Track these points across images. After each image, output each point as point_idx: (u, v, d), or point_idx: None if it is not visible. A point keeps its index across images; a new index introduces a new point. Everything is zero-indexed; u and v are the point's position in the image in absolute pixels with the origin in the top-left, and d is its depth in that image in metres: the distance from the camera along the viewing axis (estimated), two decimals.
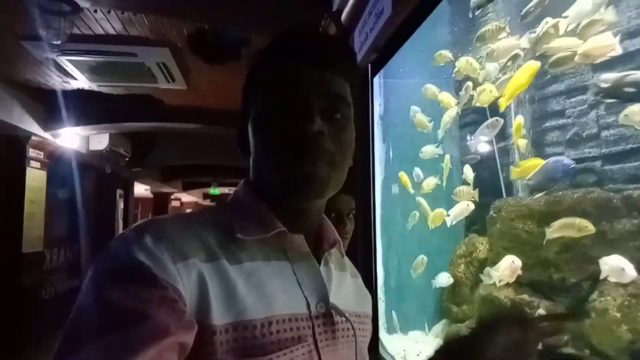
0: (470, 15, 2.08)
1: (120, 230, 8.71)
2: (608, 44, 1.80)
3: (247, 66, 0.74)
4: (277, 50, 0.68)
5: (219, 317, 0.54)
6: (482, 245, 2.02)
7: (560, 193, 1.70)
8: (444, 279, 2.06)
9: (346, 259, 0.83)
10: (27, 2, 2.81)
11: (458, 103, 2.19)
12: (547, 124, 1.87)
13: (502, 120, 1.90)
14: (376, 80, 2.48)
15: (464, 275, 2.09)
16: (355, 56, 0.78)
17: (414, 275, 2.30)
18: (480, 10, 2.03)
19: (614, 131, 1.83)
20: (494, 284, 1.71)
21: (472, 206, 1.98)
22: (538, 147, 1.90)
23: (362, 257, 2.18)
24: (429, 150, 2.42)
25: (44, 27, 2.79)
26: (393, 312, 2.51)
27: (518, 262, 1.64)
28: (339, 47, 0.71)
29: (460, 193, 2.26)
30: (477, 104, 2.01)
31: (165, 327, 0.48)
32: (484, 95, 1.96)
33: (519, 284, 1.70)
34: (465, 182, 2.17)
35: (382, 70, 2.41)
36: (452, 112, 2.19)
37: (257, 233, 0.64)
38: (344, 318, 0.69)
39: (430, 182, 2.36)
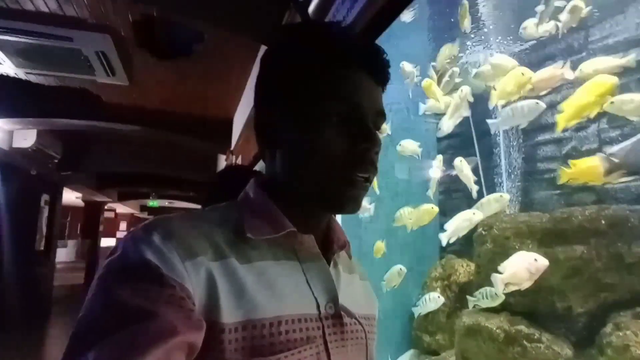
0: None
1: (43, 241, 8.06)
2: (555, 75, 1.71)
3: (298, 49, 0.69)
4: (346, 56, 0.66)
5: (228, 315, 0.54)
6: (462, 268, 1.79)
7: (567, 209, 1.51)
8: (432, 301, 1.75)
9: (355, 261, 0.83)
10: None
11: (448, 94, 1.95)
12: (540, 138, 1.68)
13: (543, 105, 1.62)
14: None
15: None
16: None
17: (387, 288, 2.00)
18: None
19: None
20: (489, 304, 1.44)
21: (478, 215, 1.69)
22: (529, 163, 1.71)
23: None
24: (408, 146, 2.13)
25: None
26: None
27: (543, 261, 1.34)
28: (389, 65, 0.70)
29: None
30: (498, 100, 1.69)
31: (172, 327, 0.48)
32: (513, 82, 1.64)
33: (513, 312, 1.47)
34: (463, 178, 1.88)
35: None
36: (463, 91, 1.88)
37: (267, 233, 0.64)
38: (354, 320, 0.69)
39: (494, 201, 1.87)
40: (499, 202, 1.71)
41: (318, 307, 0.63)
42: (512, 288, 1.33)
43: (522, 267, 1.34)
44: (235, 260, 0.59)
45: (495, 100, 1.61)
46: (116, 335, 0.46)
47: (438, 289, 1.83)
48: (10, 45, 3.76)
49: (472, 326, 1.55)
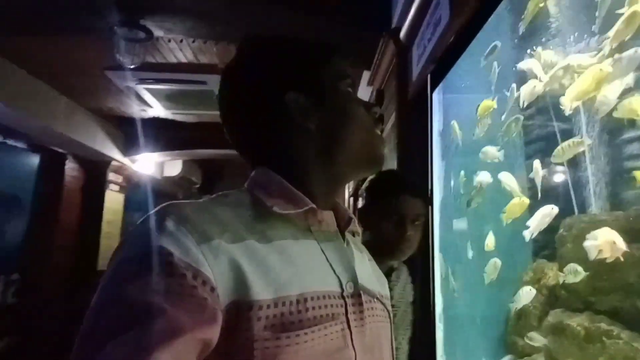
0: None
1: None
2: None
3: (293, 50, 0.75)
4: (333, 51, 0.75)
5: (257, 293, 0.53)
6: (551, 271, 1.77)
7: None
8: (525, 294, 1.79)
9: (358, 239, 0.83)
10: (110, 32, 3.06)
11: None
12: (625, 136, 1.62)
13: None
14: (435, 95, 2.38)
15: (531, 304, 1.84)
16: None
17: (487, 280, 2.06)
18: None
19: None
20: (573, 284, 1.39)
21: (556, 209, 1.71)
22: (615, 162, 1.65)
23: (419, 281, 2.03)
24: (490, 152, 2.16)
25: (122, 53, 3.01)
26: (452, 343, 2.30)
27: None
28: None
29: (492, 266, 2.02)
30: (572, 102, 1.58)
31: (180, 325, 0.46)
32: (590, 80, 1.49)
33: (596, 311, 1.45)
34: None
35: (441, 85, 2.32)
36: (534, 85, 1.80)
37: (289, 209, 0.64)
38: (375, 299, 0.70)
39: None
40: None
41: (341, 285, 0.64)
42: (606, 254, 1.29)
43: (613, 236, 1.28)
44: (254, 241, 0.58)
45: (569, 102, 1.56)
46: (122, 337, 0.45)
47: None
48: (160, 92, 4.56)
49: (555, 325, 1.54)
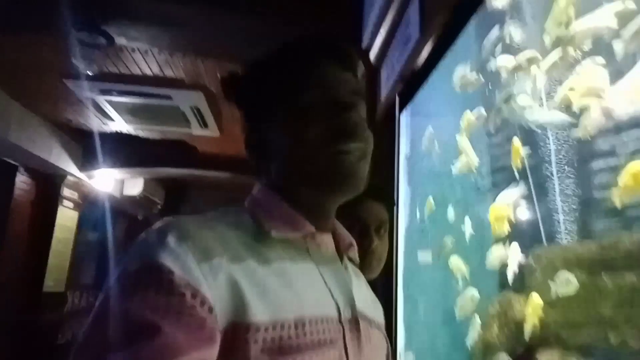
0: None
1: None
2: None
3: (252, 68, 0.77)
4: (314, 50, 0.72)
5: (254, 315, 0.52)
6: (518, 304, 1.68)
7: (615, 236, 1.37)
8: (473, 326, 1.69)
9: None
10: (68, 35, 2.89)
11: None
12: (593, 165, 1.57)
13: None
14: (403, 117, 2.31)
15: (498, 339, 1.73)
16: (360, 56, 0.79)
17: (460, 317, 1.92)
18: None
19: None
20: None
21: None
22: (584, 191, 1.60)
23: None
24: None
25: (78, 58, 2.84)
26: None
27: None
28: (353, 49, 0.75)
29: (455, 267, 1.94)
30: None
31: (177, 346, 0.45)
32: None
33: (565, 348, 1.35)
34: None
35: (409, 107, 2.25)
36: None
37: (288, 232, 0.65)
38: (372, 325, 0.70)
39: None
40: None
41: (338, 309, 0.63)
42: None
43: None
44: (253, 262, 0.57)
45: (577, 99, 1.42)
46: (120, 353, 0.44)
47: (495, 327, 1.72)
48: (122, 105, 4.36)
49: None
